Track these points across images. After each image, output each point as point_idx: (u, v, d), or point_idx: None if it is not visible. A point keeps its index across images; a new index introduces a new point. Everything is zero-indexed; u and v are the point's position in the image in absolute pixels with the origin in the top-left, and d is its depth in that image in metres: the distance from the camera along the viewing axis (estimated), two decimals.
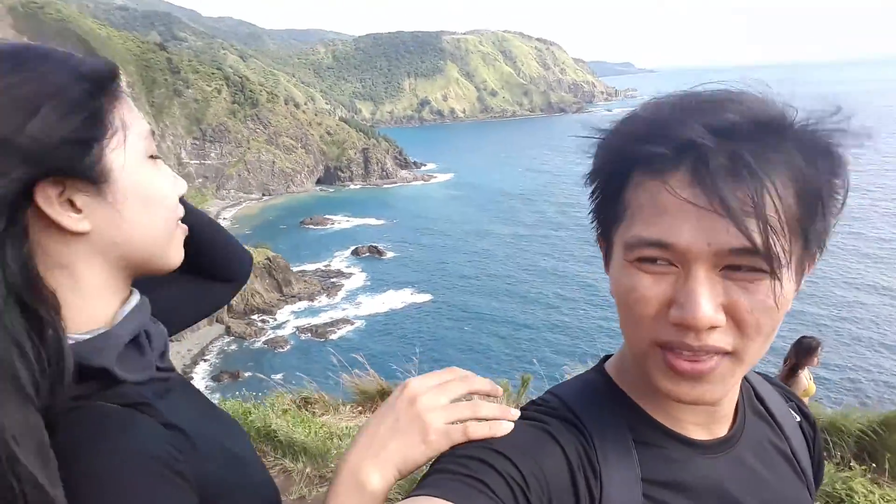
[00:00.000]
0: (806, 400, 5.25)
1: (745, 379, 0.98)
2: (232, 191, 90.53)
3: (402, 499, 0.71)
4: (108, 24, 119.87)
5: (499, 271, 56.72)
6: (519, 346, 41.07)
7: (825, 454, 5.13)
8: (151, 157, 0.82)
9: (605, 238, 0.82)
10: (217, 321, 46.42)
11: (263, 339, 44.60)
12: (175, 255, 0.85)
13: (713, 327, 0.69)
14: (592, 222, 0.85)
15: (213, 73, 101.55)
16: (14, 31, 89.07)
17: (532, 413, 0.85)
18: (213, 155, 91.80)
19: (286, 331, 45.44)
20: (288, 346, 42.79)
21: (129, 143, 0.76)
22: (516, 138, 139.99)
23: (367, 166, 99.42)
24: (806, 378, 5.09)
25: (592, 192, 0.82)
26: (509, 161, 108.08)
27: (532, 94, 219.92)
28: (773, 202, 0.66)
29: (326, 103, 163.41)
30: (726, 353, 0.71)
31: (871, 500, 4.43)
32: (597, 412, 0.84)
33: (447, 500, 0.69)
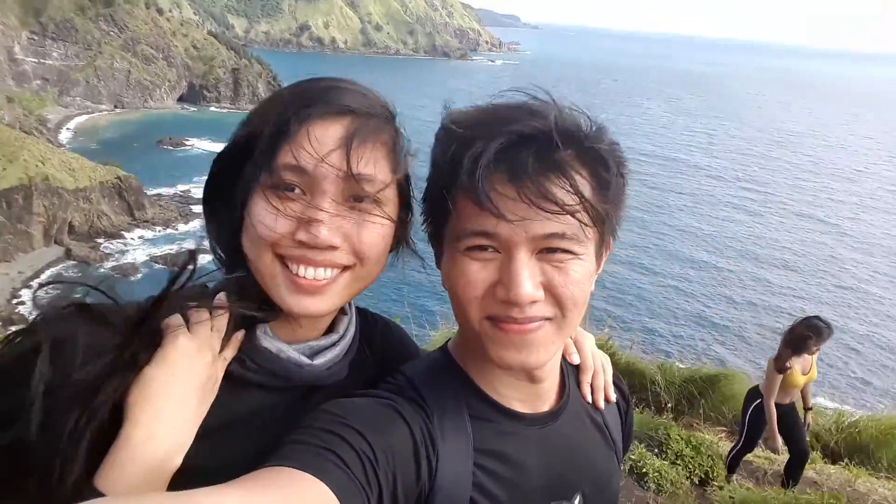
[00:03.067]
0: (808, 384, 5.12)
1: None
2: (78, 98, 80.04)
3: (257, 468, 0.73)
4: None
5: None
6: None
7: (651, 404, 6.33)
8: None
9: (436, 236, 0.93)
10: (56, 242, 41.73)
11: (110, 264, 40.71)
12: None
13: (534, 302, 0.82)
14: (423, 224, 0.96)
15: None
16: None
17: (382, 392, 0.92)
18: (55, 55, 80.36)
19: (137, 258, 41.69)
20: (139, 275, 39.28)
21: None
22: (398, 79, 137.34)
23: (236, 88, 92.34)
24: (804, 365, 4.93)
25: (424, 198, 0.94)
26: (399, 101, 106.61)
27: (417, 33, 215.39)
28: (577, 195, 0.80)
29: (194, 13, 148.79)
30: (548, 319, 0.85)
31: (680, 445, 5.17)
32: (439, 391, 0.94)
33: (302, 470, 0.73)
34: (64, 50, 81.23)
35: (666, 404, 6.44)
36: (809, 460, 5.54)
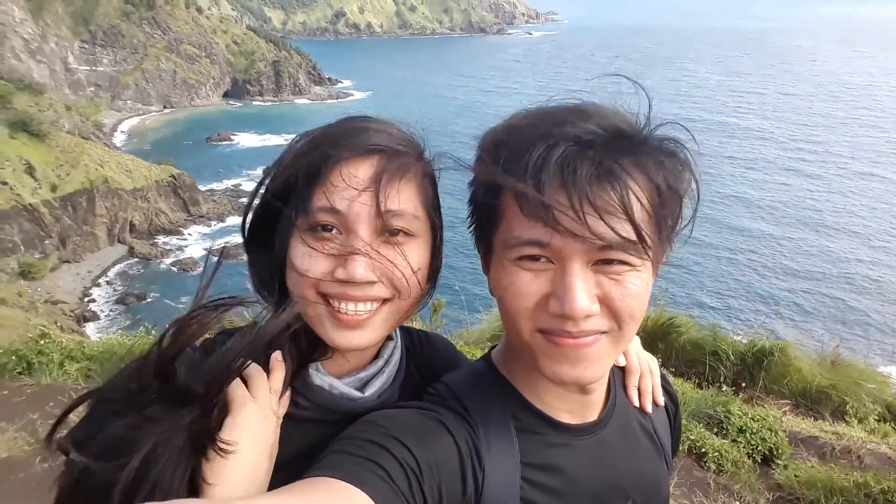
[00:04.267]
0: None
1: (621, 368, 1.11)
2: (129, 101, 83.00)
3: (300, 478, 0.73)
4: None
5: None
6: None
7: (708, 380, 6.14)
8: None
9: (484, 242, 0.90)
10: (119, 241, 43.69)
11: (170, 260, 42.41)
12: None
13: (589, 316, 0.78)
14: (470, 227, 0.94)
15: None
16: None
17: (426, 403, 0.91)
18: (105, 61, 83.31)
19: (196, 252, 43.22)
20: (199, 269, 40.56)
21: None
22: (434, 59, 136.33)
23: (278, 80, 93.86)
24: None
25: (471, 200, 0.91)
26: (428, 82, 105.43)
27: (452, 11, 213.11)
28: (636, 203, 0.76)
29: (232, 9, 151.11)
30: (603, 333, 0.81)
31: (744, 420, 4.91)
32: (483, 402, 0.92)
33: (343, 481, 0.72)
34: (113, 55, 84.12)
35: (724, 378, 6.19)
36: (883, 433, 5.39)
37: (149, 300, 35.76)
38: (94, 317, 34.13)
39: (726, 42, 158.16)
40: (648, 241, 0.78)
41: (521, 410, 0.93)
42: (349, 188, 0.84)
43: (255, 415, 0.82)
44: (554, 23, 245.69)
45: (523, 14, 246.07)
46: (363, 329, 0.89)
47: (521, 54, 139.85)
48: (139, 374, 0.78)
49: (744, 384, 6.33)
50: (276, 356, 0.90)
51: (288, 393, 0.90)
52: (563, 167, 0.75)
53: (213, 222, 47.91)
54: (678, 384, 5.28)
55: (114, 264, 41.87)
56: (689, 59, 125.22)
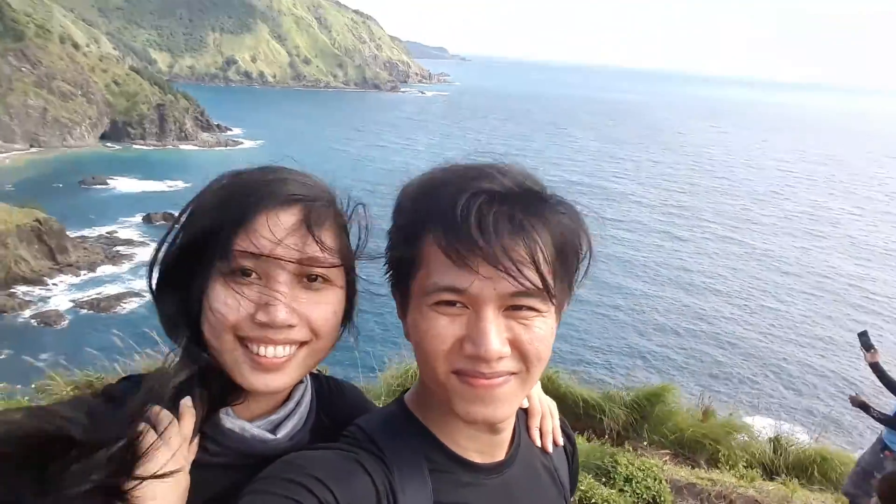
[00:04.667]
0: None
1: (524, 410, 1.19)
2: None
3: None
4: None
5: None
6: None
7: (595, 433, 6.35)
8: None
9: (401, 289, 0.95)
10: None
11: (30, 312, 38.28)
12: None
13: (501, 357, 0.84)
14: (387, 274, 0.98)
15: None
16: None
17: (343, 444, 0.93)
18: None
19: (61, 304, 39.41)
20: (64, 322, 37.20)
21: None
22: (329, 112, 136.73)
23: (162, 124, 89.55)
24: None
25: (388, 247, 0.96)
26: (321, 135, 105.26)
27: (347, 66, 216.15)
28: (543, 254, 0.83)
29: (114, 48, 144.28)
30: (513, 374, 0.88)
31: (630, 469, 5.19)
32: (397, 443, 0.95)
33: None
34: None
35: (610, 431, 6.58)
36: (751, 478, 6.02)
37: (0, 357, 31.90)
38: None
39: (602, 112, 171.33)
40: (553, 290, 0.85)
41: (435, 451, 0.96)
42: (272, 235, 0.86)
43: (168, 462, 0.82)
44: (446, 83, 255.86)
45: (416, 74, 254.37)
46: (281, 372, 0.91)
47: (414, 112, 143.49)
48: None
49: (627, 436, 6.74)
50: (186, 402, 0.89)
51: (197, 439, 0.90)
52: (483, 218, 0.81)
53: (83, 272, 43.95)
54: None
55: None
56: (570, 125, 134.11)
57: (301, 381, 1.05)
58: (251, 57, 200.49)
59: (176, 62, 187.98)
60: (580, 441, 5.75)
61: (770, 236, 56.57)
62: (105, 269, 45.01)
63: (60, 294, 41.04)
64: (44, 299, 40.26)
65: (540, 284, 0.83)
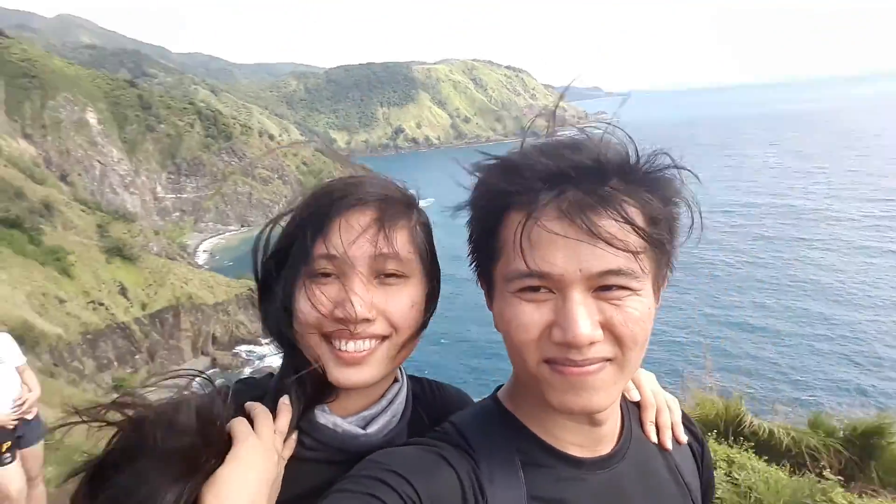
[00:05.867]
0: None
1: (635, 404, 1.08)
2: (210, 223, 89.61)
3: None
4: (76, 63, 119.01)
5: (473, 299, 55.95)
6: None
7: (807, 465, 5.14)
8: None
9: (486, 277, 0.91)
10: (202, 353, 45.53)
11: (249, 369, 43.71)
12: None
13: (593, 343, 0.78)
14: (472, 265, 0.93)
15: (185, 108, 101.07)
16: None
17: (427, 440, 0.91)
18: (189, 188, 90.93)
19: (275, 361, 44.40)
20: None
21: None
22: None
23: None
24: None
25: (470, 237, 0.92)
26: None
27: (504, 119, 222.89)
28: (631, 229, 0.77)
29: (301, 134, 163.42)
30: (608, 360, 0.80)
31: None
32: (487, 437, 0.91)
33: None
34: (196, 183, 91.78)
35: (823, 467, 5.16)
36: None
37: None
38: None
39: (778, 126, 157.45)
40: (646, 266, 0.80)
41: (528, 444, 0.91)
42: (345, 236, 0.90)
43: (257, 449, 0.86)
44: (604, 121, 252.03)
45: (573, 116, 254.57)
46: (364, 366, 0.93)
47: None
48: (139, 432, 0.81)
49: (850, 476, 5.35)
50: (283, 399, 0.94)
51: (295, 434, 0.94)
52: (561, 194, 0.77)
53: None
54: (768, 470, 4.74)
55: None
56: (743, 144, 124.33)
57: (396, 381, 1.08)
58: (416, 124, 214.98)
59: (352, 138, 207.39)
60: (782, 475, 4.86)
61: None
62: None
63: (271, 353, 46.40)
64: (260, 357, 45.76)
65: (631, 262, 0.77)
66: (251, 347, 47.13)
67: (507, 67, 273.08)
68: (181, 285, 47.36)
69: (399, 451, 0.88)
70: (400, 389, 1.06)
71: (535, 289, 0.80)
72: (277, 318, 0.96)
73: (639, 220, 0.78)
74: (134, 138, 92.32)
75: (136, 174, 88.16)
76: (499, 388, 1.03)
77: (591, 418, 0.90)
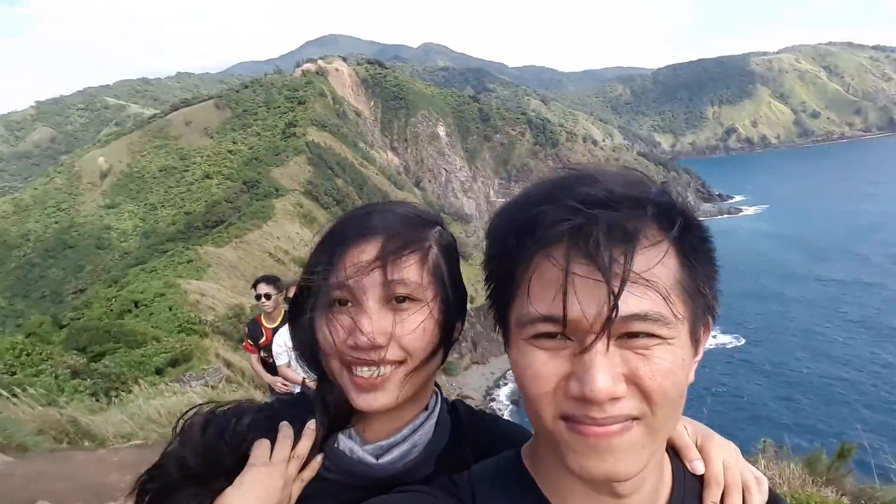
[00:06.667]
0: None
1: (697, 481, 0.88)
2: None
3: None
4: (432, 84, 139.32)
5: (816, 325, 49.89)
6: (822, 415, 35.48)
7: None
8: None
9: (502, 321, 0.79)
10: None
11: None
12: None
13: (615, 398, 0.66)
14: (490, 308, 0.82)
15: (517, 118, 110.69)
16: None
17: (429, 488, 0.87)
18: (517, 193, 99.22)
19: None
20: None
21: None
22: (837, 165, 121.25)
23: None
24: None
25: (487, 278, 0.81)
26: (826, 193, 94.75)
27: (867, 111, 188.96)
28: (656, 268, 0.66)
29: (624, 139, 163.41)
30: (635, 419, 0.68)
31: None
32: (497, 494, 0.83)
33: None
34: (519, 189, 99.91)
35: None
36: None
37: None
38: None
39: None
40: (680, 311, 0.68)
41: None
42: (356, 266, 0.92)
43: (261, 474, 0.93)
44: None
45: None
46: (381, 391, 0.93)
47: None
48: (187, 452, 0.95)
49: None
50: (310, 424, 1.00)
51: (319, 457, 1.00)
52: (578, 231, 0.65)
53: None
54: None
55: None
56: None
57: (425, 409, 1.06)
58: (751, 122, 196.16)
59: (677, 141, 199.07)
60: None
61: None
62: None
63: None
64: None
65: (659, 305, 0.65)
66: None
67: (874, 48, 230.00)
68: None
69: (394, 500, 0.85)
70: (427, 419, 1.05)
71: (552, 335, 0.68)
72: (305, 347, 1.01)
73: (667, 259, 0.67)
74: (474, 147, 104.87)
75: (473, 180, 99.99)
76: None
77: (611, 488, 0.74)
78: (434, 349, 0.98)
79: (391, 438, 1.01)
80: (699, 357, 0.75)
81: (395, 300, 0.93)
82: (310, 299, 0.98)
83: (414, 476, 0.98)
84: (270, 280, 5.19)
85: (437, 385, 1.08)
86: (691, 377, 0.73)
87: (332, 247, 0.96)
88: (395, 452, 1.00)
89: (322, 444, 1.00)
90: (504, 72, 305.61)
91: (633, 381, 0.67)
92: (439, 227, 1.03)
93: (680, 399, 0.70)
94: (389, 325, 0.92)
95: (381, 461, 0.99)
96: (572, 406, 0.68)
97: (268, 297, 5.16)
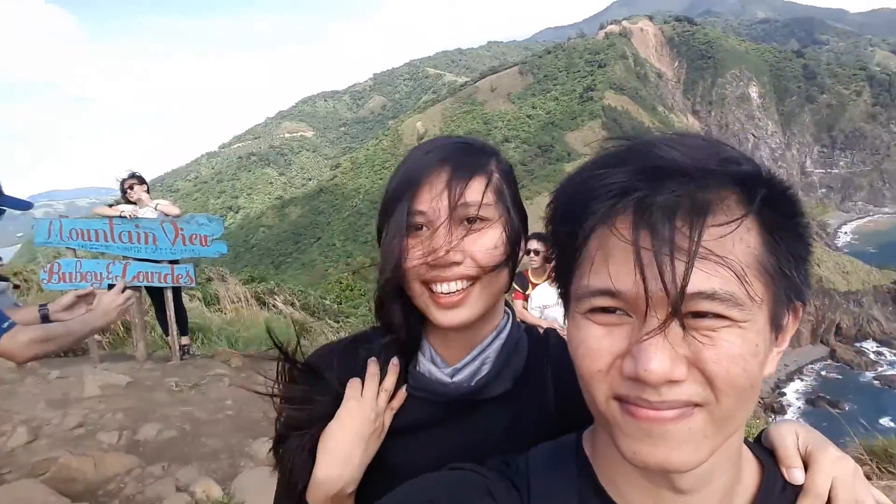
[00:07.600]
0: None
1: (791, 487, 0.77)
2: (860, 203, 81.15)
3: None
4: (748, 40, 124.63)
5: None
6: None
7: None
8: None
9: (565, 296, 0.75)
10: (821, 342, 43.59)
11: (872, 374, 39.28)
12: None
13: (674, 381, 0.61)
14: (553, 281, 0.79)
15: (854, 75, 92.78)
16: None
17: (484, 468, 0.83)
18: (841, 164, 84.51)
19: None
20: None
21: None
22: None
23: None
24: None
25: (552, 251, 0.78)
26: None
27: None
28: (730, 243, 0.60)
29: None
30: (696, 406, 0.62)
31: None
32: (552, 479, 0.80)
33: None
34: (850, 158, 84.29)
35: None
36: None
37: (841, 409, 34.22)
38: (782, 409, 34.46)
39: None
40: (758, 293, 0.61)
41: (593, 498, 0.77)
42: (430, 192, 1.00)
43: (353, 410, 1.05)
44: None
45: None
46: (461, 307, 1.01)
47: None
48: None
49: None
50: (394, 360, 1.10)
51: (404, 388, 1.10)
52: (643, 200, 0.61)
53: None
54: None
55: (811, 363, 42.02)
56: None
57: (494, 330, 1.11)
58: None
59: None
60: None
61: None
62: None
63: None
64: (891, 363, 40.41)
65: (731, 284, 0.59)
66: (881, 348, 42.04)
67: None
68: (813, 266, 45.83)
69: (441, 478, 0.82)
70: (496, 338, 1.10)
71: (609, 310, 0.65)
72: (390, 273, 1.04)
73: (747, 234, 0.61)
74: (791, 110, 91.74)
75: (786, 147, 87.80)
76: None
77: (670, 481, 0.69)
78: (504, 263, 1.05)
79: (465, 358, 1.09)
80: (783, 347, 0.68)
81: (467, 221, 1.01)
82: (391, 227, 1.04)
83: (489, 393, 1.06)
84: (542, 237, 5.36)
85: (509, 307, 1.15)
86: (770, 368, 0.66)
87: (406, 178, 1.03)
88: (467, 371, 1.08)
89: (405, 372, 1.10)
90: (843, 19, 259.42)
91: (696, 365, 0.61)
92: (496, 154, 1.10)
93: (751, 389, 0.64)
94: (464, 243, 1.00)
95: (454, 379, 1.07)
96: (627, 387, 0.64)
97: (537, 252, 5.45)
